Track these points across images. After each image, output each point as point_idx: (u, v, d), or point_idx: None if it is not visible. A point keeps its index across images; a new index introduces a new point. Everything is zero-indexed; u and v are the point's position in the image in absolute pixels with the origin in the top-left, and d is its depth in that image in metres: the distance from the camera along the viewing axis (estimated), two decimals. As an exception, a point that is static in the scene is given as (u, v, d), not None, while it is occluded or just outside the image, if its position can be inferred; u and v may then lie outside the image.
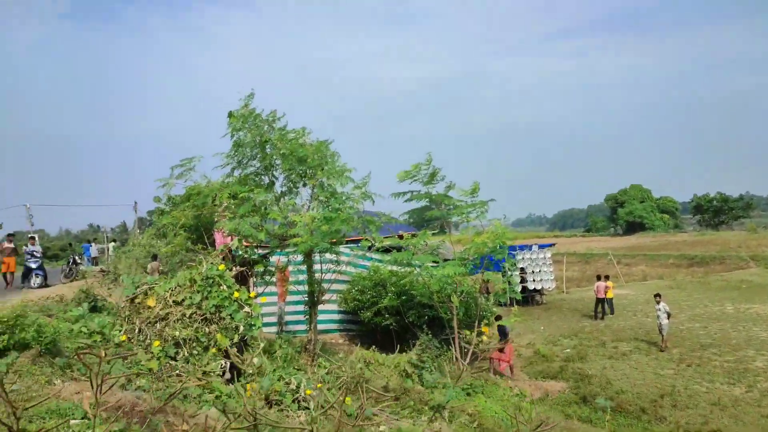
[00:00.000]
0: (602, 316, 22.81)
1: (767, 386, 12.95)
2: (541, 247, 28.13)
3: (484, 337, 13.36)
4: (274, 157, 9.84)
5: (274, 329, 15.10)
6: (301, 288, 16.21)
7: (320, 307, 16.99)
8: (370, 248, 17.30)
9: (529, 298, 27.87)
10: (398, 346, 14.53)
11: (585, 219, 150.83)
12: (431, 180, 13.09)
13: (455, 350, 13.63)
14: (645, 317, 22.47)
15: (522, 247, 28.05)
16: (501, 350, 14.63)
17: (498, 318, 15.71)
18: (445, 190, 13.33)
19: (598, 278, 23.84)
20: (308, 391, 6.64)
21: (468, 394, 10.99)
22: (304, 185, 10.31)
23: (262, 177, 10.44)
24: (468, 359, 13.94)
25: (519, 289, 27.07)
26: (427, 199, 13.29)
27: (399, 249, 15.24)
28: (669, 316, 16.83)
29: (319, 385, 7.25)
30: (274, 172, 10.35)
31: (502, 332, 14.79)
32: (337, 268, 12.33)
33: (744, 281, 31.05)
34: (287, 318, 15.97)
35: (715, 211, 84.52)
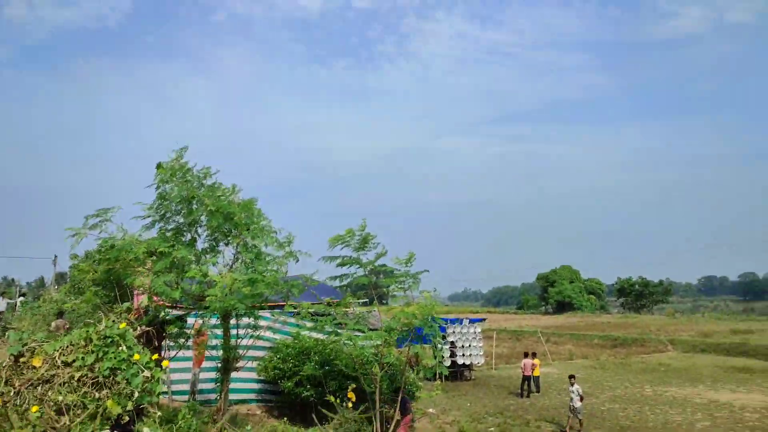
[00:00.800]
0: (528, 394, 22.81)
1: (681, 471, 13.08)
2: (472, 321, 28.27)
3: (349, 404, 12.85)
4: (200, 213, 9.50)
5: (187, 397, 14.11)
6: (217, 354, 15.41)
7: (238, 375, 16.14)
8: (295, 314, 16.83)
9: (458, 373, 27.62)
10: (317, 419, 13.87)
11: (518, 296, 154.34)
12: (363, 246, 12.98)
13: (375, 425, 13.09)
14: (567, 396, 22.64)
15: (453, 321, 28.06)
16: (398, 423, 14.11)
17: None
18: (376, 257, 13.23)
19: (525, 355, 24.00)
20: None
21: (384, 474, 10.45)
22: (227, 244, 9.95)
23: (185, 233, 10.02)
24: (391, 436, 13.43)
25: (448, 363, 26.99)
26: (357, 265, 13.12)
27: (325, 315, 14.88)
28: (582, 398, 16.91)
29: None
30: (198, 229, 9.96)
31: (404, 405, 14.17)
32: (255, 333, 11.76)
33: (662, 364, 32.16)
34: (202, 386, 15.02)
35: (636, 295, 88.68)
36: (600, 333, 48.34)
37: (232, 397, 16.01)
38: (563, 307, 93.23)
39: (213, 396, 15.42)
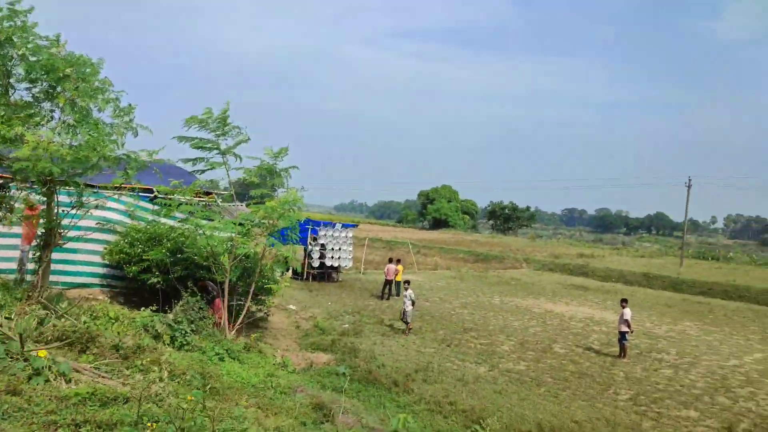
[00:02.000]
0: (388, 297, 23.84)
1: (506, 366, 14.44)
2: (345, 226, 28.56)
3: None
4: (13, 60, 8.03)
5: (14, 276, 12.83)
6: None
7: (81, 257, 15.05)
8: (150, 199, 15.71)
9: (325, 274, 28.14)
10: (164, 306, 13.36)
11: (401, 211, 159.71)
12: (222, 128, 12.08)
13: (224, 314, 12.89)
14: (426, 301, 23.98)
15: (326, 224, 28.15)
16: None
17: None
18: (235, 143, 12.43)
19: (390, 261, 24.87)
20: (-17, 338, 5.41)
21: (222, 359, 10.35)
22: (51, 102, 8.60)
23: (-5, 84, 8.48)
24: (237, 325, 13.32)
25: (317, 264, 27.34)
26: (216, 150, 12.26)
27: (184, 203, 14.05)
28: (413, 303, 17.76)
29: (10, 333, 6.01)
30: (10, 81, 8.46)
31: (204, 289, 14.02)
32: (85, 207, 10.71)
33: (514, 279, 35.11)
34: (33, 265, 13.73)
35: (505, 218, 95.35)
36: (465, 249, 51.50)
37: (75, 280, 14.98)
38: (439, 224, 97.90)
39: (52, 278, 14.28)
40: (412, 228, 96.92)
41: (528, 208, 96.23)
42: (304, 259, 27.74)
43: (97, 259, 15.00)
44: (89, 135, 8.19)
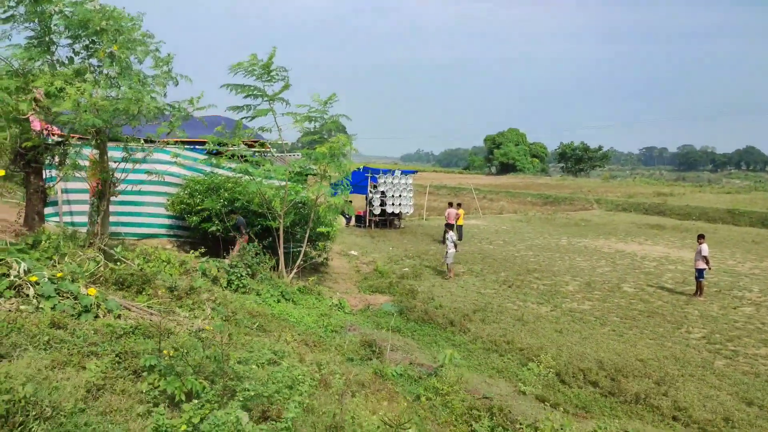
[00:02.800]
0: (450, 242, 23.58)
1: (570, 306, 13.97)
2: (404, 173, 28.26)
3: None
4: (52, 16, 8.13)
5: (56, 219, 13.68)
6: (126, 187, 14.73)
7: (147, 210, 15.71)
8: (207, 152, 16.02)
9: (387, 221, 28.19)
10: (226, 253, 13.79)
11: (467, 158, 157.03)
12: (267, 74, 11.94)
13: (280, 258, 13.14)
14: (489, 245, 23.62)
15: (385, 171, 27.97)
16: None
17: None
18: (281, 89, 12.27)
19: (450, 205, 24.47)
20: (32, 278, 5.68)
21: (278, 301, 10.58)
22: (90, 57, 8.72)
23: (40, 43, 8.66)
24: (294, 269, 13.55)
25: (378, 211, 27.39)
26: (261, 97, 12.17)
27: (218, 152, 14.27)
28: (456, 246, 17.32)
29: (68, 276, 6.28)
30: (53, 38, 8.61)
31: (236, 226, 14.10)
32: (136, 161, 11.01)
33: (584, 220, 33.78)
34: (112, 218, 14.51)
35: (576, 159, 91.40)
36: (534, 192, 49.98)
37: (143, 231, 15.69)
38: (507, 168, 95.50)
39: (120, 230, 15.05)
40: (479, 174, 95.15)
41: (600, 147, 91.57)
42: (366, 207, 27.88)
43: (162, 210, 15.60)
44: (129, 86, 8.26)
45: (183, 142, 15.84)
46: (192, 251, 15.16)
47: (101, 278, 7.41)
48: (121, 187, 15.34)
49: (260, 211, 13.54)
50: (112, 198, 15.19)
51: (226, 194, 14.44)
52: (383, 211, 27.64)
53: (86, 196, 14.50)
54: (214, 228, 13.93)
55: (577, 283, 16.50)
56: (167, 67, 9.28)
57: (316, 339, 8.05)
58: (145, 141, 15.57)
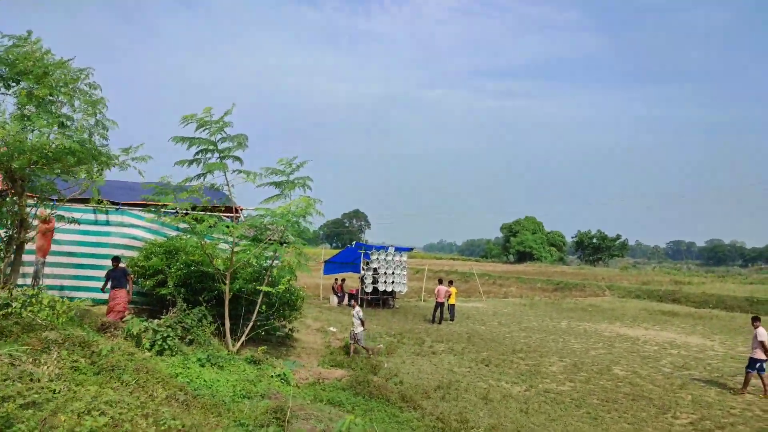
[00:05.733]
0: (440, 321, 22.30)
1: (547, 387, 12.56)
2: (398, 249, 27.49)
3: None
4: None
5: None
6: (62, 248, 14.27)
7: (102, 273, 15.11)
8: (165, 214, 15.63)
9: (381, 300, 27.09)
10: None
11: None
12: (220, 131, 11.65)
13: (225, 326, 12.22)
14: (482, 325, 22.27)
15: (378, 248, 27.26)
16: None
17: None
18: (236, 145, 11.91)
19: (440, 282, 23.40)
20: None
21: (202, 365, 9.58)
22: (7, 93, 8.51)
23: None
24: (242, 339, 12.58)
25: (369, 289, 26.39)
26: (213, 151, 11.79)
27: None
28: (363, 323, 15.16)
29: None
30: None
31: (116, 276, 13.26)
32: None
33: (592, 305, 32.09)
34: (50, 281, 13.95)
35: (594, 248, 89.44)
36: (545, 278, 48.38)
37: (98, 296, 15.01)
38: (524, 257, 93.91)
39: (73, 294, 14.42)
40: (495, 262, 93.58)
41: (618, 236, 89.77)
42: (359, 286, 26.93)
43: (121, 274, 15.02)
44: (42, 125, 7.95)
45: (135, 204, 15.56)
46: (146, 317, 14.39)
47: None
48: (79, 249, 14.98)
49: (210, 271, 12.82)
50: (68, 261, 14.78)
51: (184, 257, 13.84)
52: (375, 290, 26.63)
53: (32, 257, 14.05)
54: (164, 291, 13.20)
55: (563, 364, 15.05)
56: (94, 110, 9.02)
57: (211, 401, 7.03)
58: (111, 203, 15.37)
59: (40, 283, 12.97)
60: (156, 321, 10.52)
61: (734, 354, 17.41)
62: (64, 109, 9.69)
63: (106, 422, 4.27)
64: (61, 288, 14.38)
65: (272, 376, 10.83)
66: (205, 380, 8.36)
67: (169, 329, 10.33)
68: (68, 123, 8.86)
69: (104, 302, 14.62)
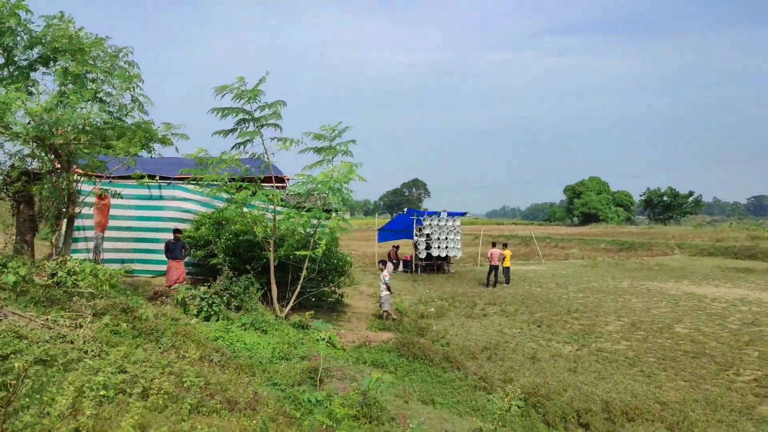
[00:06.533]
0: (495, 284, 21.98)
1: (600, 346, 12.14)
2: (450, 214, 27.15)
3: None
4: (14, 32, 8.35)
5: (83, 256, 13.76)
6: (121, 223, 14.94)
7: (159, 246, 15.74)
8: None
9: (435, 266, 26.98)
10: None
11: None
12: (254, 98, 11.71)
13: (271, 292, 12.50)
14: (538, 287, 21.77)
15: (430, 213, 27.04)
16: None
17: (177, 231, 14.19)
18: (271, 110, 11.94)
19: (494, 245, 22.95)
20: None
21: (246, 330, 9.87)
22: (46, 73, 8.87)
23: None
24: (290, 305, 12.82)
25: (423, 255, 26.31)
26: (248, 119, 11.88)
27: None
28: (389, 288, 14.79)
29: None
30: (14, 52, 8.84)
31: (175, 248, 13.47)
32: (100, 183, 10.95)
33: (659, 264, 30.70)
34: (109, 255, 14.69)
35: (664, 206, 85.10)
36: (609, 239, 46.61)
37: (156, 268, 15.71)
38: (589, 219, 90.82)
39: (134, 266, 15.18)
40: (558, 225, 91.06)
41: (691, 193, 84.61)
42: (414, 252, 26.90)
43: (176, 247, 15.62)
44: (77, 98, 8.23)
45: (185, 179, 16.00)
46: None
47: (23, 291, 7.10)
48: (136, 224, 15.65)
49: (256, 240, 13.09)
50: (127, 235, 15.50)
51: (233, 227, 14.19)
52: (429, 255, 26.53)
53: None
54: (214, 261, 13.62)
55: (620, 324, 14.49)
56: (129, 85, 9.26)
57: (243, 362, 7.21)
58: (161, 178, 15.93)
59: (101, 256, 13.72)
60: (202, 288, 10.89)
61: (814, 309, 16.17)
62: (104, 87, 9.99)
63: (123, 379, 4.42)
64: (122, 261, 15.17)
65: (318, 340, 11.02)
66: (245, 343, 8.59)
67: (215, 296, 10.69)
68: (106, 99, 9.14)
69: (163, 273, 15.35)
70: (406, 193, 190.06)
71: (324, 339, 11.17)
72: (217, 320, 10.09)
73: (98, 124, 8.47)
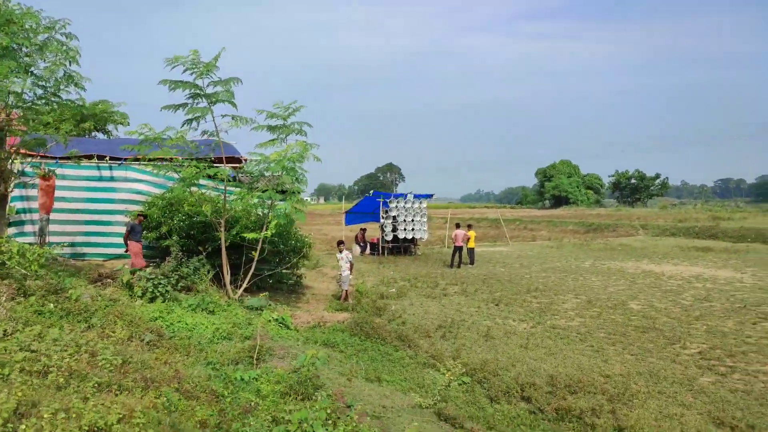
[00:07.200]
0: (459, 265, 22.05)
1: (554, 323, 12.24)
2: (417, 197, 27.08)
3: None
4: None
5: (29, 240, 13.27)
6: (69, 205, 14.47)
7: (111, 229, 15.31)
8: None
9: (402, 248, 26.95)
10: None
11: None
12: (207, 72, 11.32)
13: (223, 273, 12.25)
14: (502, 268, 21.91)
15: (397, 195, 26.93)
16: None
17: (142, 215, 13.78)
18: (223, 85, 11.57)
19: (458, 226, 22.99)
20: None
21: (194, 311, 9.63)
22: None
23: None
24: (243, 286, 12.59)
25: (389, 237, 26.22)
26: (200, 96, 11.49)
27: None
28: (351, 267, 14.91)
29: None
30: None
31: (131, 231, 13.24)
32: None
33: (623, 245, 31.21)
34: (60, 238, 14.23)
35: (632, 189, 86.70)
36: (576, 221, 47.29)
37: (109, 252, 15.27)
38: (560, 201, 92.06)
39: (84, 250, 14.75)
40: (531, 208, 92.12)
41: (658, 175, 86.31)
42: (380, 234, 26.78)
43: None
44: (4, 68, 7.82)
45: (136, 160, 15.53)
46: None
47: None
48: (86, 206, 15.16)
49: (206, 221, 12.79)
50: (76, 218, 15.00)
51: (186, 208, 13.84)
52: (395, 237, 26.47)
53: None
54: (166, 243, 13.27)
55: (577, 301, 14.65)
56: (64, 60, 8.81)
57: (178, 342, 7.00)
58: (112, 159, 15.44)
59: (46, 240, 13.26)
60: (149, 269, 10.59)
61: (764, 285, 16.59)
62: (40, 62, 9.54)
63: (25, 357, 4.20)
64: (72, 245, 14.70)
65: (269, 321, 10.83)
66: (186, 323, 8.38)
67: (162, 277, 10.40)
68: (40, 73, 8.71)
69: (116, 257, 14.94)
70: (381, 178, 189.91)
71: (275, 319, 11.00)
72: (163, 302, 9.82)
73: (29, 98, 8.05)
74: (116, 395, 4.12)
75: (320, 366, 6.10)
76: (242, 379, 5.85)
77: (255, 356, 6.85)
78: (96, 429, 3.33)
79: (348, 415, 4.73)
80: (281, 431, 3.93)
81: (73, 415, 3.34)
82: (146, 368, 5.06)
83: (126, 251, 13.51)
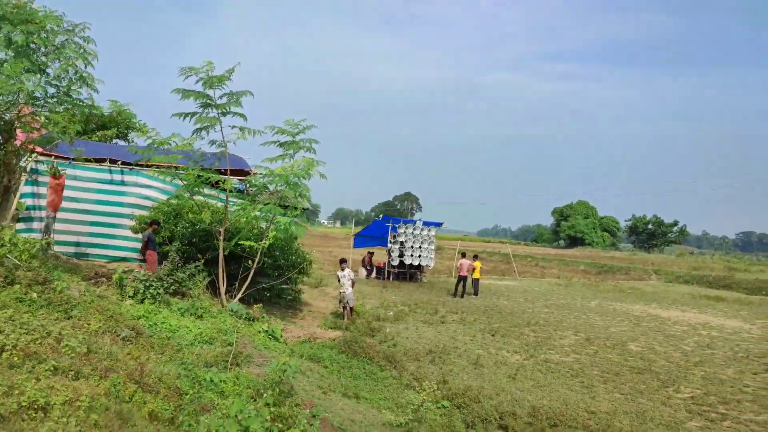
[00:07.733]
0: (462, 295, 21.83)
1: (548, 357, 12.00)
2: (426, 224, 27.05)
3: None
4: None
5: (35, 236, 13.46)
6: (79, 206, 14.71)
7: (117, 232, 15.51)
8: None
9: (407, 274, 26.80)
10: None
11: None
12: (218, 82, 11.56)
13: (219, 281, 12.28)
14: (506, 300, 21.65)
15: (406, 221, 26.93)
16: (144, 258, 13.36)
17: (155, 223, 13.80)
18: (230, 98, 11.81)
19: (463, 256, 22.85)
20: None
21: (182, 315, 9.65)
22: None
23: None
24: (238, 296, 12.61)
25: (396, 263, 26.13)
26: (210, 106, 11.72)
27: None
28: (353, 284, 14.81)
29: None
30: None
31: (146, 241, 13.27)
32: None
33: (634, 288, 30.67)
34: (67, 237, 14.45)
35: (649, 234, 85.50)
36: (589, 261, 46.70)
37: (115, 254, 15.45)
38: (575, 242, 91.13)
39: (69, 249, 14.83)
40: (545, 247, 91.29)
41: (676, 222, 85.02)
42: (387, 259, 26.69)
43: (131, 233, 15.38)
44: (18, 65, 8.07)
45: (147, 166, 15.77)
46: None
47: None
48: (94, 208, 15.40)
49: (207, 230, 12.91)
50: (83, 219, 15.24)
51: (190, 216, 14.01)
52: (402, 263, 26.36)
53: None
54: (167, 248, 13.38)
55: (575, 338, 14.37)
56: (76, 61, 9.08)
57: (156, 341, 7.00)
58: (124, 163, 15.72)
59: (52, 237, 13.45)
60: (143, 271, 10.68)
61: (772, 337, 16.12)
62: (56, 63, 9.84)
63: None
64: (77, 244, 14.91)
65: (259, 332, 10.81)
66: (170, 325, 8.38)
67: (156, 280, 10.47)
68: (55, 73, 8.98)
69: (118, 260, 15.10)
70: (398, 206, 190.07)
71: (265, 330, 10.97)
72: (153, 303, 9.86)
73: (40, 97, 8.29)
74: (71, 381, 4.12)
75: (291, 374, 6.04)
76: (211, 380, 5.81)
77: (230, 360, 6.81)
78: (36, 407, 3.33)
79: (312, 423, 4.66)
80: (212, 418, 3.88)
81: (16, 392, 3.34)
82: (111, 359, 5.06)
83: (143, 259, 13.61)
